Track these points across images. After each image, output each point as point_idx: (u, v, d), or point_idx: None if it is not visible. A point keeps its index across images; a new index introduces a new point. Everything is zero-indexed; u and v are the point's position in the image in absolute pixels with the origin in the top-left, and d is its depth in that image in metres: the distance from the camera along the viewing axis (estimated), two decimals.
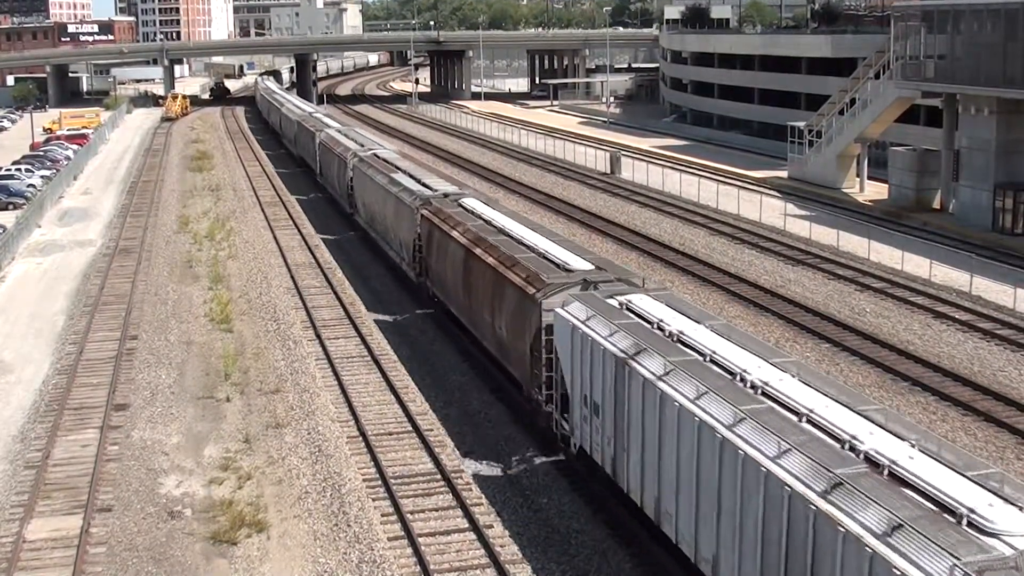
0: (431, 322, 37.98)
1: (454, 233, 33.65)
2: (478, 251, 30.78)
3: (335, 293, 42.00)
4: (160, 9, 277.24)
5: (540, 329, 24.75)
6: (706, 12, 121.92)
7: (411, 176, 44.11)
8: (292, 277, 44.75)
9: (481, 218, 34.67)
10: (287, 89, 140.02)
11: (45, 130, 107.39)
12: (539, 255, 28.63)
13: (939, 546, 12.84)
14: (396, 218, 41.79)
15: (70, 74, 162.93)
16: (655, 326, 21.80)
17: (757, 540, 15.97)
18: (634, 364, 20.24)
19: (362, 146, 55.93)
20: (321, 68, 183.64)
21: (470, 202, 37.83)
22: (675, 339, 20.89)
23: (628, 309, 23.07)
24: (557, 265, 27.37)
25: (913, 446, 15.48)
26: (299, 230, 55.54)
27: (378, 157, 51.18)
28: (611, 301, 23.51)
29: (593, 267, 27.08)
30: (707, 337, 20.73)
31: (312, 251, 50.10)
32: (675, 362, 19.43)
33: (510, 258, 28.59)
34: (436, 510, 23.46)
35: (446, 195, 39.00)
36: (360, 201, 50.87)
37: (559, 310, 23.83)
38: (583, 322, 22.70)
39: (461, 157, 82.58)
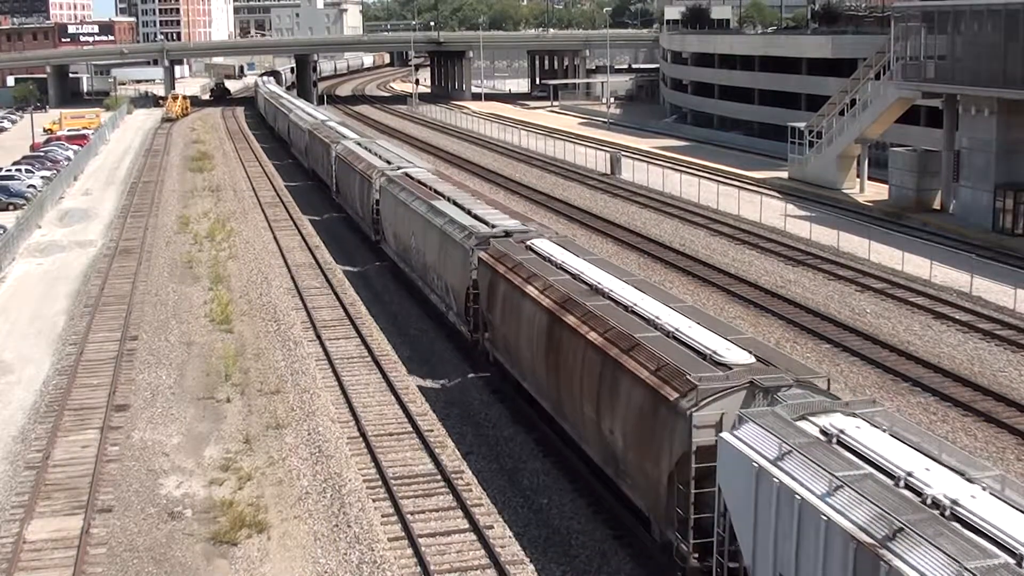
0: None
1: (529, 289, 26.38)
2: (570, 320, 23.52)
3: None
4: (160, 10, 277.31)
5: (689, 454, 17.69)
6: (706, 13, 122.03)
7: (458, 205, 36.86)
8: (292, 278, 44.74)
9: (564, 270, 26.95)
10: (288, 89, 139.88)
11: (45, 131, 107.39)
12: (667, 334, 20.97)
13: None
14: (441, 257, 34.62)
15: (70, 75, 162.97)
16: (901, 483, 14.28)
17: None
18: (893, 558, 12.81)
19: (389, 163, 48.80)
20: (324, 68, 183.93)
21: (543, 244, 30.04)
22: (944, 511, 13.53)
23: (840, 443, 15.60)
24: (700, 353, 19.69)
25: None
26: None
27: (411, 178, 44.00)
28: (806, 426, 16.26)
29: (754, 358, 19.23)
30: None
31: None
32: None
33: (626, 338, 21.04)
34: (437, 511, 23.46)
35: (508, 233, 31.70)
36: (390, 230, 43.79)
37: (727, 435, 16.60)
38: (774, 462, 15.38)
39: (462, 158, 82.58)
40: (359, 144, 58.40)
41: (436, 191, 40.15)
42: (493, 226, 32.66)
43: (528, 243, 30.22)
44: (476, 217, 34.33)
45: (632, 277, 26.61)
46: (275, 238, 53.27)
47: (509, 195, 63.22)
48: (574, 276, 26.14)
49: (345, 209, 56.72)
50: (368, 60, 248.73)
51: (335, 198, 59.97)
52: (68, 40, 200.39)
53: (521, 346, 26.69)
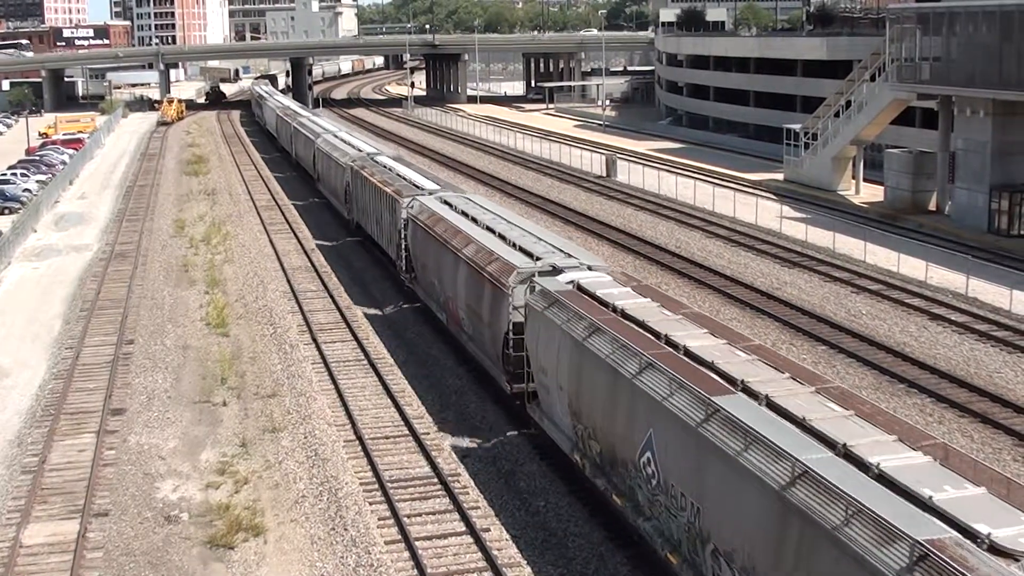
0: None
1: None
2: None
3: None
4: (155, 13, 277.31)
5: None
6: (701, 15, 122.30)
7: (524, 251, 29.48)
8: (288, 281, 44.72)
9: (719, 371, 18.99)
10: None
11: (41, 134, 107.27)
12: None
13: None
14: (494, 317, 28.52)
15: (65, 78, 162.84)
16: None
17: None
18: None
19: (423, 189, 41.82)
20: (317, 72, 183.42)
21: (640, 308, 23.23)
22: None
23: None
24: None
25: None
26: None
27: (463, 213, 36.07)
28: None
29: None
30: None
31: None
32: None
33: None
34: (433, 514, 23.46)
35: (556, 269, 26.88)
36: (436, 282, 35.41)
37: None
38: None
39: (457, 160, 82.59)
40: (393, 161, 51.32)
41: (505, 238, 31.70)
42: (538, 258, 28.45)
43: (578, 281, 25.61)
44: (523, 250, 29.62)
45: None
46: (271, 241, 53.24)
47: (505, 198, 63.23)
48: (725, 376, 18.70)
49: (372, 236, 47.70)
50: (346, 66, 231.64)
51: (352, 217, 53.41)
52: (63, 44, 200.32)
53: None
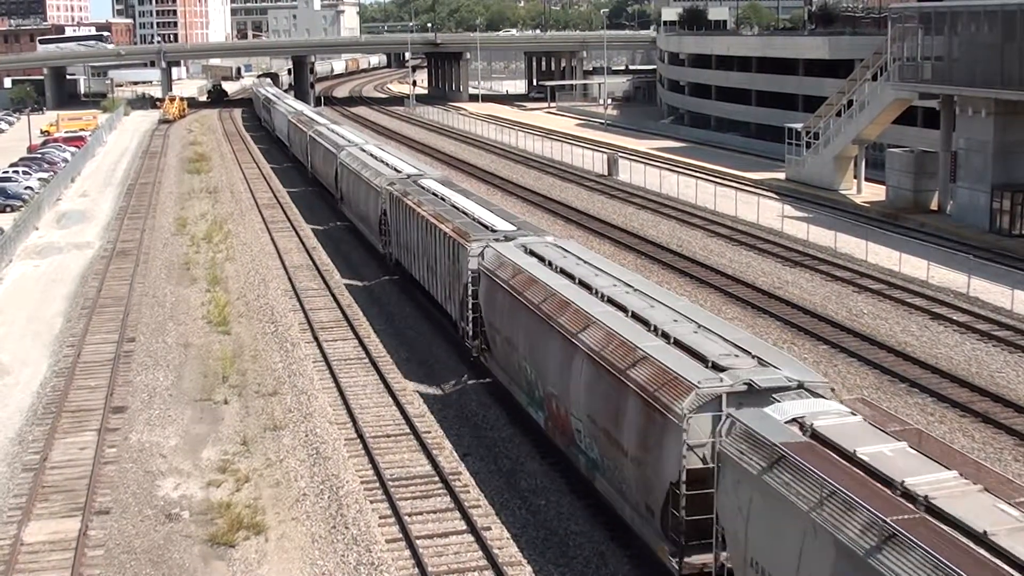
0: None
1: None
2: None
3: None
4: (157, 11, 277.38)
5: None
6: (703, 14, 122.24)
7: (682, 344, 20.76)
8: (290, 279, 44.72)
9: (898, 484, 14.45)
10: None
11: (43, 132, 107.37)
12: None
13: None
14: (649, 454, 19.45)
15: (67, 76, 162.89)
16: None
17: None
18: None
19: (496, 231, 32.49)
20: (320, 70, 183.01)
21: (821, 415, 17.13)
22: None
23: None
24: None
25: None
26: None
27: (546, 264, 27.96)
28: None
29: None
30: None
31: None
32: None
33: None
34: (434, 512, 23.46)
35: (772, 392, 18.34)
36: (516, 356, 27.32)
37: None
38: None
39: (459, 159, 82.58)
40: (443, 187, 42.03)
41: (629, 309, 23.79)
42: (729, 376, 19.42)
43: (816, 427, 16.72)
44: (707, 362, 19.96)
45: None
46: (272, 239, 53.23)
47: (507, 196, 63.22)
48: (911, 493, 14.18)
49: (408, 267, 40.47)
50: (340, 66, 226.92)
51: (382, 248, 45.61)
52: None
53: None
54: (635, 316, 22.61)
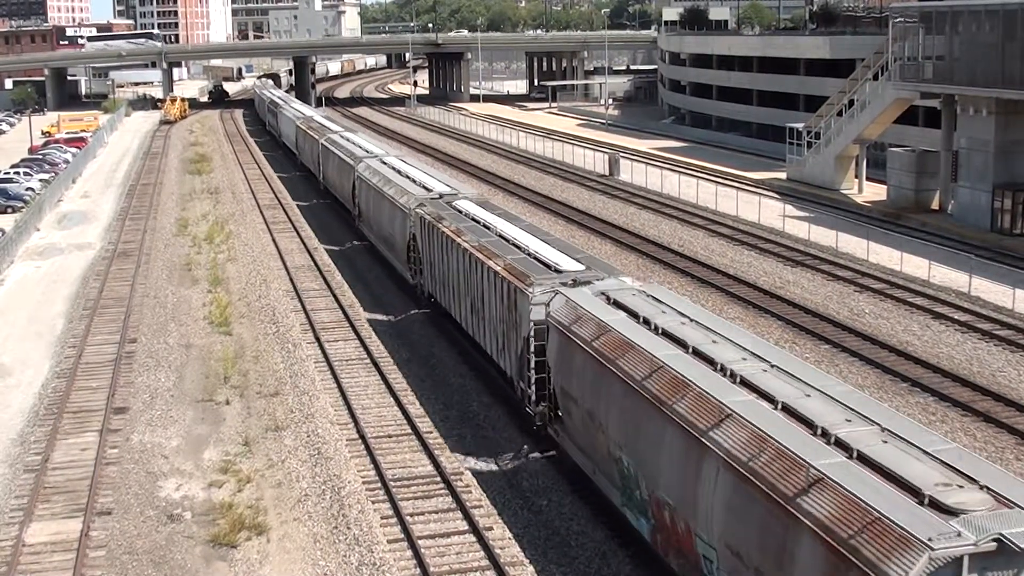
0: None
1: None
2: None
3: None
4: (158, 12, 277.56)
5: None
6: (704, 14, 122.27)
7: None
8: (291, 280, 44.71)
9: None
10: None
11: (44, 133, 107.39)
12: None
13: None
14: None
15: (68, 77, 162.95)
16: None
17: None
18: None
19: (562, 272, 27.05)
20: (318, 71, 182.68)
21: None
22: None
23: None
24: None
25: None
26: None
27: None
28: None
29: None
30: None
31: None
32: None
33: None
34: (436, 512, 23.46)
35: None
36: (585, 414, 22.75)
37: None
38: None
39: (460, 159, 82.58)
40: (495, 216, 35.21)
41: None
42: None
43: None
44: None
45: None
46: (273, 240, 53.24)
47: (508, 196, 63.21)
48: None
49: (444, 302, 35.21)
50: (335, 67, 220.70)
51: (415, 281, 39.63)
52: (66, 43, 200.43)
53: None
54: (789, 410, 16.84)
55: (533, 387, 25.37)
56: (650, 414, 19.03)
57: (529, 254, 29.12)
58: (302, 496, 24.26)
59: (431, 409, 29.52)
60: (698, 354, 19.70)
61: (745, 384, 18.09)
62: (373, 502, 23.92)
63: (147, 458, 26.78)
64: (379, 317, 38.92)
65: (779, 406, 17.07)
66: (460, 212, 35.92)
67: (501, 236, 31.57)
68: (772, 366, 18.81)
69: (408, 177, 44.40)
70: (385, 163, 49.26)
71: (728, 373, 18.62)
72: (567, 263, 27.79)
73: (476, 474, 24.02)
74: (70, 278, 47.31)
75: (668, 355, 19.78)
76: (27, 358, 35.84)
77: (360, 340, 35.99)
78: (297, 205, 64.29)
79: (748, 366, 18.85)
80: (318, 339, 36.17)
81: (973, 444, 26.06)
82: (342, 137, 63.15)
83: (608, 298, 23.93)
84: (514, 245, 30.29)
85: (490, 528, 22.57)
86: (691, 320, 21.78)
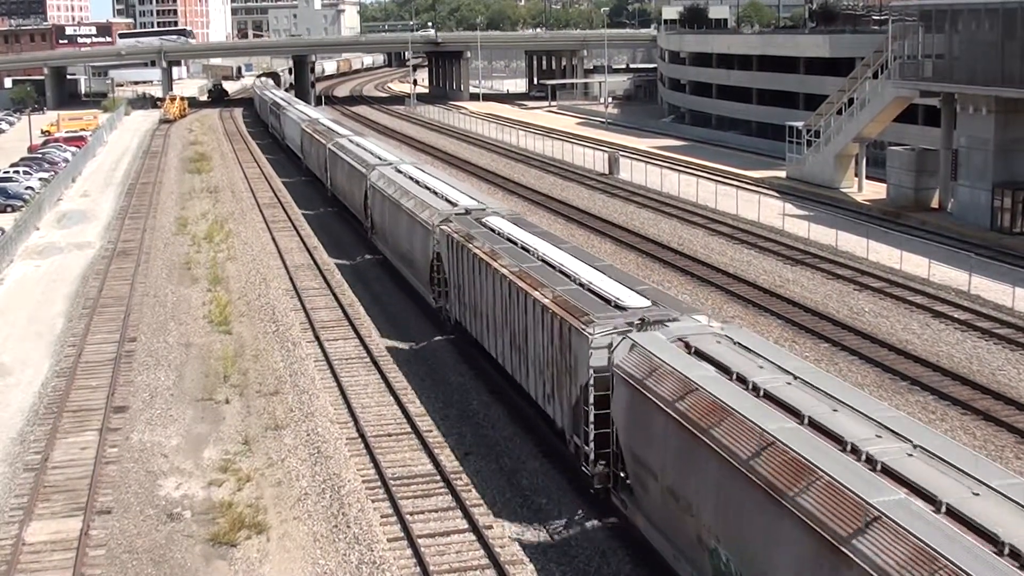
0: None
1: None
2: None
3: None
4: (158, 11, 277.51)
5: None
6: (704, 12, 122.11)
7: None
8: (291, 279, 44.70)
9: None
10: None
11: (43, 132, 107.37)
12: None
13: None
14: None
15: (68, 76, 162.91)
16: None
17: None
18: None
19: (626, 308, 23.19)
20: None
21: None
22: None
23: None
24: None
25: None
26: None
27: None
28: None
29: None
30: None
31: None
32: None
33: None
34: (436, 511, 23.46)
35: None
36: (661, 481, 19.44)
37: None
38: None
39: (460, 158, 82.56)
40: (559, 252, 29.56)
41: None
42: None
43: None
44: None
45: None
46: (273, 239, 53.22)
47: (508, 195, 63.20)
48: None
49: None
50: (331, 67, 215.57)
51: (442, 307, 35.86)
52: (66, 42, 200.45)
53: None
54: (955, 515, 13.14)
55: (592, 444, 21.86)
56: (761, 504, 15.45)
57: (581, 284, 25.35)
58: (302, 495, 24.27)
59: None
60: (816, 427, 16.01)
61: (889, 474, 14.30)
62: (373, 501, 23.89)
63: (147, 457, 26.79)
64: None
65: (943, 508, 13.20)
66: (492, 230, 32.14)
67: (544, 261, 27.90)
68: (915, 447, 14.86)
69: (428, 188, 40.81)
70: (401, 171, 45.69)
71: (864, 458, 14.73)
72: (629, 297, 23.92)
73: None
74: (70, 277, 47.30)
75: (780, 428, 16.06)
76: (27, 357, 35.84)
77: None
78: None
79: (887, 448, 14.96)
80: (318, 338, 36.10)
81: (973, 443, 26.08)
82: (351, 142, 59.60)
83: (688, 346, 20.27)
84: (560, 272, 26.66)
85: (490, 527, 22.53)
86: (795, 378, 18.00)
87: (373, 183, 46.19)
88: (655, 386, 19.03)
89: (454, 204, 36.95)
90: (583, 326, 22.29)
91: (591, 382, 21.59)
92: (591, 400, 21.62)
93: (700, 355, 19.68)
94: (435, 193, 39.53)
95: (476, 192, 42.10)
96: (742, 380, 18.07)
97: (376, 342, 35.81)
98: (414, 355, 28.60)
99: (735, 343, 20.20)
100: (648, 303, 23.32)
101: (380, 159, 50.44)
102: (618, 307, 23.22)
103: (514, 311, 26.84)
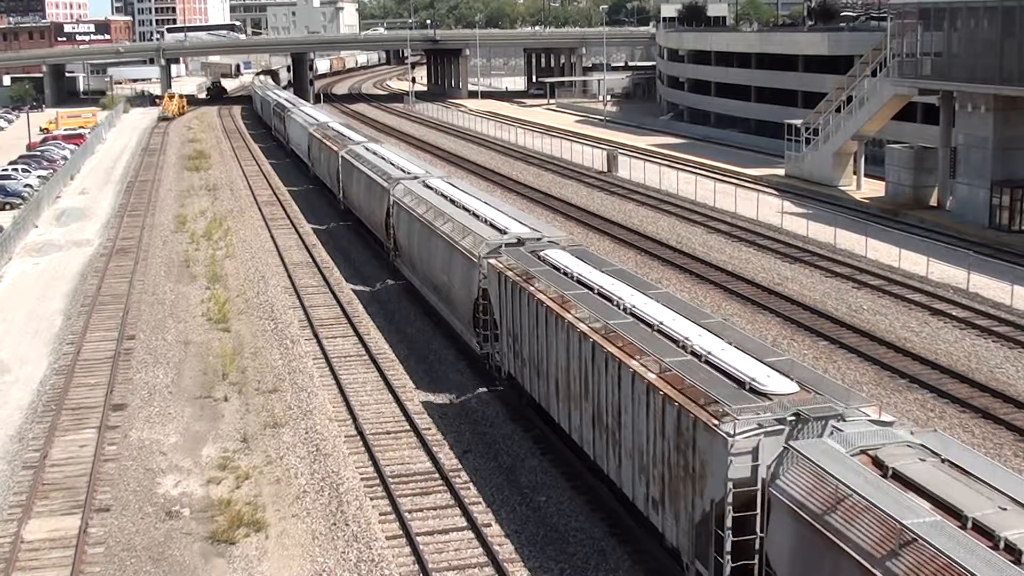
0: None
1: None
2: None
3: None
4: (156, 8, 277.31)
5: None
6: (703, 10, 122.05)
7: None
8: (289, 276, 44.69)
9: None
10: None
11: (42, 130, 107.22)
12: None
13: None
14: None
15: (67, 74, 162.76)
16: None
17: None
18: None
19: (771, 395, 17.68)
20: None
21: None
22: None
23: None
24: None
25: None
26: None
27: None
28: None
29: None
30: None
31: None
32: None
33: None
34: (434, 509, 23.46)
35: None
36: None
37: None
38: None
39: (459, 156, 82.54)
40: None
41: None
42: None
43: None
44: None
45: None
46: (272, 236, 53.20)
47: (507, 193, 63.18)
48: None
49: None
50: (324, 65, 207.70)
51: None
52: (64, 39, 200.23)
53: None
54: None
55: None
56: None
57: (695, 354, 19.67)
58: (301, 493, 24.27)
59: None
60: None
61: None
62: (371, 498, 23.89)
63: (145, 455, 26.79)
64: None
65: None
66: (556, 268, 26.70)
67: (634, 314, 22.46)
68: None
69: (467, 210, 35.22)
70: (430, 187, 40.45)
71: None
72: (767, 377, 18.17)
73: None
74: (68, 275, 47.29)
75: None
76: (25, 355, 35.83)
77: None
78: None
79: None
80: (316, 335, 36.05)
81: (971, 440, 26.09)
82: (367, 150, 53.38)
83: (878, 463, 15.01)
84: (660, 332, 21.17)
85: (488, 524, 22.54)
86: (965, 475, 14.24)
87: (398, 199, 40.91)
88: (847, 529, 14.00)
89: (502, 231, 31.42)
90: (715, 421, 16.86)
91: (728, 499, 16.47)
92: (726, 520, 16.54)
93: (902, 481, 14.47)
94: (476, 216, 34.04)
95: (525, 215, 36.01)
96: (980, 530, 13.05)
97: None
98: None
99: (940, 460, 14.89)
100: (796, 387, 17.83)
101: (404, 172, 44.80)
102: (754, 391, 17.74)
103: (600, 381, 21.36)
